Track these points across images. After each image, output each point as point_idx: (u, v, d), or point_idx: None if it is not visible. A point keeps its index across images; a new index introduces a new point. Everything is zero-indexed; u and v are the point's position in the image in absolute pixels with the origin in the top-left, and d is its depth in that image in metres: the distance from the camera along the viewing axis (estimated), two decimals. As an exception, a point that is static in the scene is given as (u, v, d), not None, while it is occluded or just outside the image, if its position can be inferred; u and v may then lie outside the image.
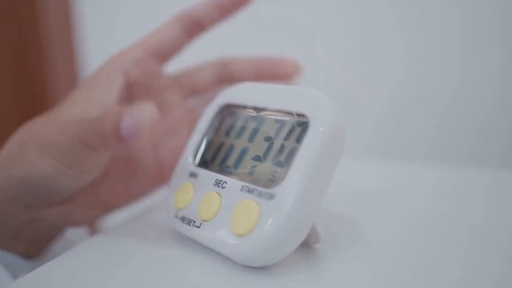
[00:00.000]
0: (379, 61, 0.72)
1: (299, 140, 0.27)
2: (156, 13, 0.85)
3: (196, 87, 0.41)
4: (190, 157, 0.33)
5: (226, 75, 0.41)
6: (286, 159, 0.27)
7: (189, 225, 0.30)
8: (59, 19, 0.90)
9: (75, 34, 0.92)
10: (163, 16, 0.80)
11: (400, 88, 0.72)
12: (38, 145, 0.30)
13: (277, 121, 0.29)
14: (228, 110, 0.33)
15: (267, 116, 0.30)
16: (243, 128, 0.31)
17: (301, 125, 0.27)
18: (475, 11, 0.66)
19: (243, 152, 0.30)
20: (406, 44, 0.70)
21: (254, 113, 0.31)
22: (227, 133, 0.32)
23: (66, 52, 0.92)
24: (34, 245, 0.35)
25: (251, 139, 0.30)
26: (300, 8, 0.75)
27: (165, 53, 0.37)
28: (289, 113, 0.29)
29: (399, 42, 0.71)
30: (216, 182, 0.29)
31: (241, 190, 0.28)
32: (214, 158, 0.31)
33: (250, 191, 0.27)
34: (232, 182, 0.29)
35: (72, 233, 0.40)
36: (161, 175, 0.37)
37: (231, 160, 0.30)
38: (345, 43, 0.74)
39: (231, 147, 0.31)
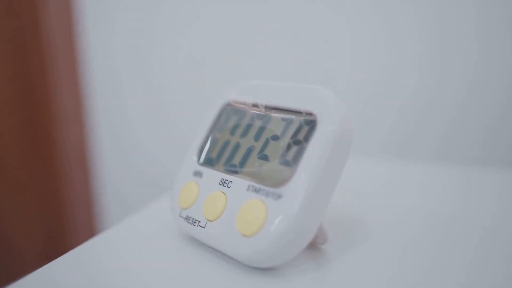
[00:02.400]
0: (395, 64, 0.72)
1: (306, 139, 0.26)
2: (156, 9, 0.84)
3: None
4: (194, 155, 0.32)
5: None
6: (293, 158, 0.26)
7: (194, 225, 0.29)
8: (60, 16, 0.90)
9: (76, 31, 0.91)
10: (162, 13, 0.79)
11: (414, 91, 0.71)
12: None
13: (284, 119, 0.28)
14: (233, 108, 0.32)
15: (273, 114, 0.29)
16: (249, 127, 0.30)
17: (309, 124, 0.27)
18: (488, 15, 0.66)
19: (249, 150, 0.29)
20: (420, 47, 0.70)
21: (260, 111, 0.30)
22: (233, 132, 0.31)
23: (67, 50, 0.92)
24: None
25: (257, 137, 0.29)
26: (318, 9, 0.74)
27: None
28: (296, 112, 0.28)
29: (413, 45, 0.70)
30: (222, 181, 0.29)
31: (247, 190, 0.27)
32: (219, 157, 0.31)
33: (256, 190, 0.27)
34: (238, 181, 0.28)
35: None
36: None
37: (237, 159, 0.29)
38: (360, 46, 0.73)
39: (237, 146, 0.30)
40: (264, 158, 0.28)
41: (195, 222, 0.29)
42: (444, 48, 0.69)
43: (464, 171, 0.46)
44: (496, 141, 0.69)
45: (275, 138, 0.28)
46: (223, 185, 0.29)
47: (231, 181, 0.28)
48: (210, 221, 0.28)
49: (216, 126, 0.32)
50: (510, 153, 0.68)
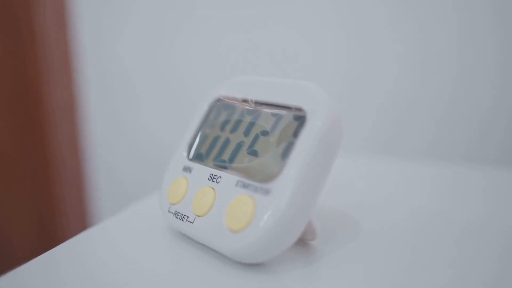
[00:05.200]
0: (377, 58, 0.72)
1: (296, 134, 0.26)
2: (151, 6, 0.84)
3: None
4: (184, 151, 0.32)
5: None
6: (282, 154, 0.26)
7: (182, 220, 0.29)
8: (54, 13, 0.89)
9: (70, 27, 0.91)
10: (157, 10, 0.79)
11: (398, 86, 0.71)
12: None
13: (273, 114, 0.28)
14: (223, 104, 0.32)
15: (263, 110, 0.29)
16: (238, 122, 0.30)
17: (298, 119, 0.27)
18: (472, 8, 0.66)
19: (239, 146, 0.29)
20: (403, 41, 0.70)
21: (250, 107, 0.30)
22: (222, 127, 0.31)
23: (61, 46, 0.91)
24: None
25: (246, 133, 0.29)
26: (298, 5, 0.74)
27: None
28: (286, 107, 0.28)
29: (396, 39, 0.70)
30: (211, 177, 0.29)
31: (236, 185, 0.27)
32: (208, 152, 0.30)
33: (245, 186, 0.27)
34: (227, 177, 0.28)
35: None
36: None
37: (226, 154, 0.29)
38: (342, 40, 0.73)
39: (226, 141, 0.30)
40: (254, 153, 0.28)
41: (183, 218, 0.29)
42: (427, 42, 0.69)
43: (449, 168, 0.46)
44: (482, 138, 0.69)
45: (265, 133, 0.28)
46: (212, 181, 0.29)
47: (220, 177, 0.28)
48: (198, 216, 0.28)
49: (206, 121, 0.32)
50: (496, 151, 0.68)
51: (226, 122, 0.31)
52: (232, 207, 0.26)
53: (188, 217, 0.29)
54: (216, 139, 0.31)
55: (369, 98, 0.74)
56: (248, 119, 0.30)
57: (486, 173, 0.45)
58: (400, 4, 0.69)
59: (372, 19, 0.71)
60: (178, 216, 0.29)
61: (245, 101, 0.31)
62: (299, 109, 0.27)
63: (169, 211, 0.30)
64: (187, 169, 0.31)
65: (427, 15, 0.68)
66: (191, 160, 0.31)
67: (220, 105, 0.32)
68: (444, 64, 0.69)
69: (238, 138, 0.29)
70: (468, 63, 0.68)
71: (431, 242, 0.30)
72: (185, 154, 0.32)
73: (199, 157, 0.31)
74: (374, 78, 0.73)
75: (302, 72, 0.76)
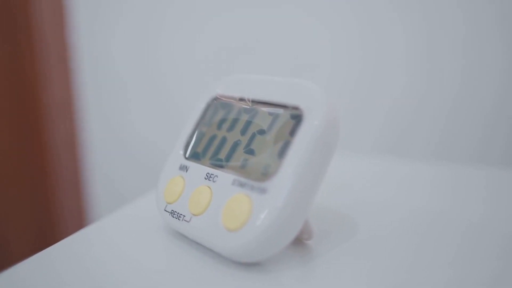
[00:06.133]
0: (385, 61, 0.72)
1: (292, 133, 0.26)
2: (148, 5, 0.84)
3: None
4: (180, 149, 0.32)
5: None
6: (279, 153, 0.26)
7: (179, 219, 0.29)
8: (52, 11, 0.89)
9: (67, 26, 0.91)
10: (155, 8, 0.78)
11: (405, 89, 0.71)
12: None
13: (270, 113, 0.28)
14: (220, 102, 0.32)
15: (260, 109, 0.29)
16: (235, 121, 0.30)
17: (295, 118, 0.27)
18: (477, 12, 0.66)
19: (236, 145, 0.29)
20: (410, 45, 0.70)
21: (247, 106, 0.30)
22: (219, 126, 0.31)
23: (58, 45, 0.91)
24: None
25: (243, 131, 0.29)
26: (307, 9, 0.74)
27: None
28: (283, 106, 0.28)
29: (403, 42, 0.70)
30: (207, 176, 0.29)
31: (232, 184, 0.27)
32: (205, 151, 0.30)
33: (241, 185, 0.26)
34: (223, 176, 0.28)
35: None
36: None
37: (223, 153, 0.29)
38: (350, 43, 0.73)
39: (223, 140, 0.30)
40: (250, 152, 0.28)
41: (180, 217, 0.29)
42: (434, 45, 0.69)
43: (451, 168, 0.46)
44: (488, 139, 0.69)
45: (262, 132, 0.28)
46: (209, 179, 0.28)
47: (216, 176, 0.28)
48: (195, 215, 0.28)
49: (203, 120, 0.32)
50: (502, 152, 0.68)
51: (223, 120, 0.31)
52: (228, 206, 0.26)
53: (184, 216, 0.29)
54: (213, 138, 0.31)
55: (377, 101, 0.73)
56: (245, 117, 0.30)
57: (489, 173, 0.44)
58: (408, 8, 0.69)
59: (381, 23, 0.71)
60: (174, 215, 0.29)
61: (242, 99, 0.31)
62: (296, 108, 0.27)
63: (165, 210, 0.30)
64: (183, 168, 0.31)
65: (434, 20, 0.68)
66: (187, 159, 0.31)
67: (217, 104, 0.32)
68: (450, 67, 0.69)
69: (235, 137, 0.29)
70: (473, 66, 0.68)
71: (431, 243, 0.30)
72: (181, 152, 0.32)
73: (195, 156, 0.31)
74: (382, 82, 0.73)
75: (311, 74, 0.76)
